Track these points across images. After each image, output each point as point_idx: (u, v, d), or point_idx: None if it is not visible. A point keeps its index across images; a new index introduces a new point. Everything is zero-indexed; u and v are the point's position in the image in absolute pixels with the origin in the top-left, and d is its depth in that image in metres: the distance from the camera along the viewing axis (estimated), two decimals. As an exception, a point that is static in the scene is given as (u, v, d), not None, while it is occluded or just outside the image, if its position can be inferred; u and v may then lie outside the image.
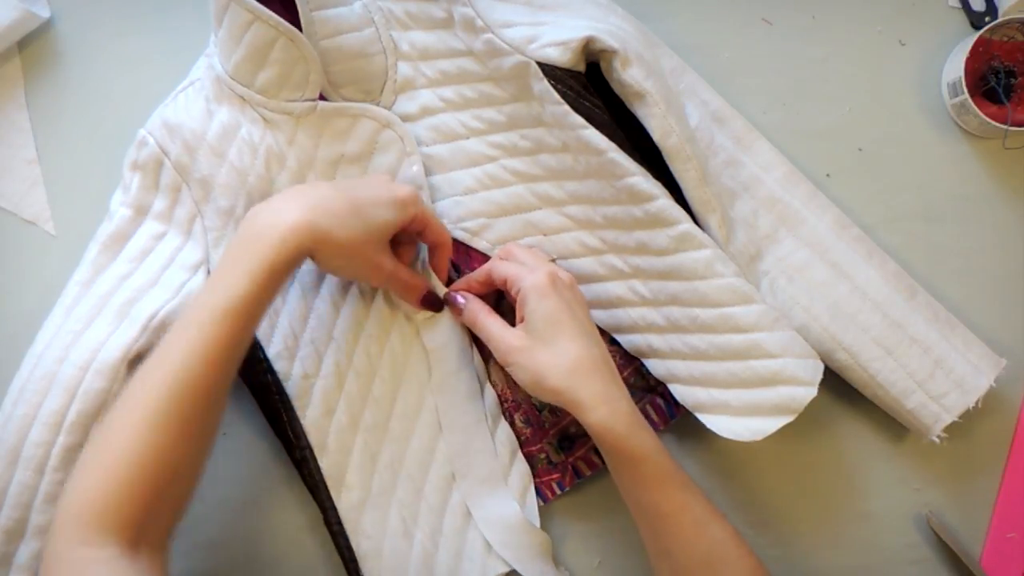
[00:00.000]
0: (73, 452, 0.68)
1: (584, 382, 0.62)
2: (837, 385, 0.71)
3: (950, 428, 0.68)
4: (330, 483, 0.70)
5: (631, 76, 0.66)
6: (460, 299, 0.68)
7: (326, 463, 0.70)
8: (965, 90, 0.71)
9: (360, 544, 0.70)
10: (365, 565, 0.70)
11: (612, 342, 0.72)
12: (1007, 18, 0.72)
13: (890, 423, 0.71)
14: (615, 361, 0.71)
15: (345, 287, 0.71)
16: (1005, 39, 0.73)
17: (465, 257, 0.72)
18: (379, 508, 0.70)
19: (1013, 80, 0.72)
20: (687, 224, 0.66)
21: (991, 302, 0.74)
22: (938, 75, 0.75)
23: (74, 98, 0.77)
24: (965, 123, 0.74)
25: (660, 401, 0.72)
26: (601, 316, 0.71)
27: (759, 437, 0.65)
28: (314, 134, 0.69)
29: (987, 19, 0.75)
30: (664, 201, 0.66)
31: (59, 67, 0.78)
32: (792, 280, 0.69)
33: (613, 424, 0.61)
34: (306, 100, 0.68)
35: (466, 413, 0.70)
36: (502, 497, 0.70)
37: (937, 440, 0.68)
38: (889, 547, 0.73)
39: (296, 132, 0.69)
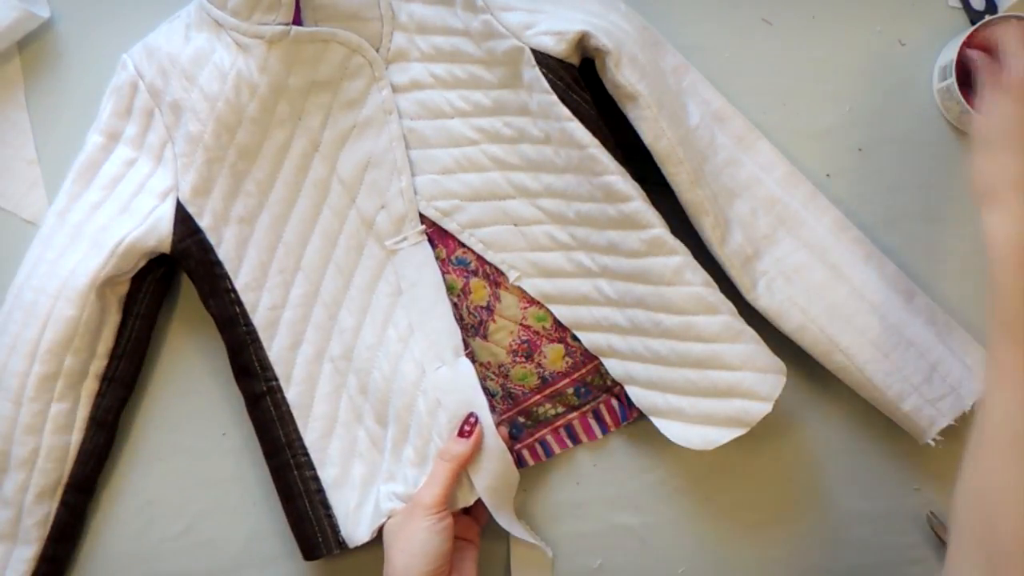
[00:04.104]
0: (47, 382, 0.69)
1: None
2: (836, 385, 0.71)
3: (949, 430, 0.68)
4: (296, 413, 0.71)
5: (624, 77, 0.66)
6: (469, 427, 0.68)
7: (292, 393, 0.71)
8: (953, 74, 0.71)
9: (328, 473, 0.70)
10: (332, 495, 0.70)
11: (573, 338, 0.72)
12: (1009, 15, 0.71)
13: (890, 423, 0.71)
14: (575, 358, 0.72)
15: (314, 216, 0.72)
16: (1005, 37, 0.73)
17: (440, 235, 0.72)
18: (345, 437, 0.71)
19: None
20: (660, 229, 0.66)
21: (991, 303, 0.74)
22: (938, 74, 0.76)
23: (74, 98, 0.77)
24: (947, 109, 0.74)
25: (614, 402, 0.72)
26: (563, 312, 0.71)
27: (711, 447, 0.66)
28: (286, 60, 0.69)
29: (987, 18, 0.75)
30: (639, 204, 0.66)
31: (59, 67, 0.78)
32: (790, 281, 0.69)
33: None
34: (279, 23, 0.68)
35: (445, 348, 0.70)
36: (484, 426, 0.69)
37: (932, 443, 0.69)
38: (889, 547, 0.73)
39: (268, 58, 0.69)
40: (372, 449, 0.71)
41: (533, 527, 0.73)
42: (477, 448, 0.67)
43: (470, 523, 0.70)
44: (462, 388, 0.69)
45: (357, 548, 0.69)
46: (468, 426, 0.67)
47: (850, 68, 0.76)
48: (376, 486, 0.70)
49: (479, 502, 0.68)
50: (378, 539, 0.68)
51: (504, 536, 0.72)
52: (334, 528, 0.70)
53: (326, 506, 0.70)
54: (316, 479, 0.70)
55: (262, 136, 0.71)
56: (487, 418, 0.68)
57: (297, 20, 0.69)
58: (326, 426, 0.71)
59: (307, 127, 0.71)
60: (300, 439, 0.71)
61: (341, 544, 0.69)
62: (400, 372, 0.70)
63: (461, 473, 0.67)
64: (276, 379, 0.71)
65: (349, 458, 0.71)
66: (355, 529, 0.69)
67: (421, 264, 0.71)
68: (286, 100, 0.70)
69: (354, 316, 0.71)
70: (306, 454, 0.71)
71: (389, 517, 0.68)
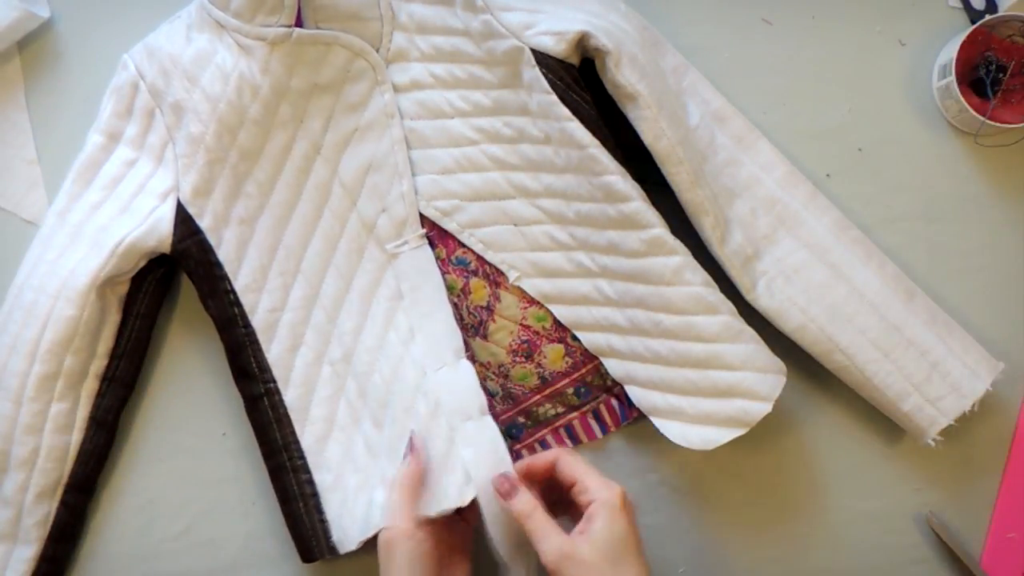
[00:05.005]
0: (47, 382, 0.69)
1: None
2: (836, 385, 0.71)
3: (949, 430, 0.68)
4: (294, 416, 0.71)
5: (624, 77, 0.66)
6: (506, 486, 0.63)
7: (290, 396, 0.71)
8: (953, 72, 0.71)
9: (323, 478, 0.70)
10: (327, 499, 0.70)
11: (573, 339, 0.72)
12: (1012, 14, 0.71)
13: (890, 423, 0.71)
14: (575, 358, 0.71)
15: (315, 219, 0.72)
16: (1006, 37, 0.73)
17: (440, 235, 0.72)
18: (343, 441, 0.71)
19: (1001, 76, 0.72)
20: (660, 229, 0.66)
21: (990, 302, 0.73)
22: (938, 74, 0.76)
23: (74, 98, 0.77)
24: (946, 108, 0.74)
25: (614, 402, 0.72)
26: (563, 312, 0.71)
27: (710, 447, 0.66)
28: (288, 63, 0.69)
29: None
30: (639, 204, 0.66)
31: (59, 67, 0.78)
32: (790, 281, 0.69)
33: None
34: (281, 26, 0.68)
35: (446, 351, 0.70)
36: (485, 425, 0.69)
37: (932, 443, 0.69)
38: (889, 547, 0.73)
39: (270, 60, 0.69)
40: (367, 455, 0.71)
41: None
42: (420, 462, 0.66)
43: (465, 530, 0.69)
44: (462, 389, 0.69)
45: (359, 550, 0.69)
46: (409, 447, 0.67)
47: (850, 68, 0.76)
48: (369, 493, 0.70)
49: (472, 505, 0.67)
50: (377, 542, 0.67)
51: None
52: (327, 533, 0.69)
53: (320, 511, 0.70)
54: (311, 483, 0.70)
55: (263, 138, 0.71)
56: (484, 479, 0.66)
57: (298, 21, 0.69)
58: (324, 430, 0.71)
59: (309, 130, 0.71)
60: (297, 442, 0.71)
61: (332, 550, 0.69)
62: (400, 375, 0.70)
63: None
64: (274, 381, 0.71)
65: (345, 463, 0.71)
66: (345, 536, 0.69)
67: (422, 268, 0.71)
68: (288, 102, 0.70)
69: (354, 319, 0.71)
70: (302, 457, 0.70)
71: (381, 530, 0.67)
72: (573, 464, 0.63)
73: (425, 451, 0.67)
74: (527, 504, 0.62)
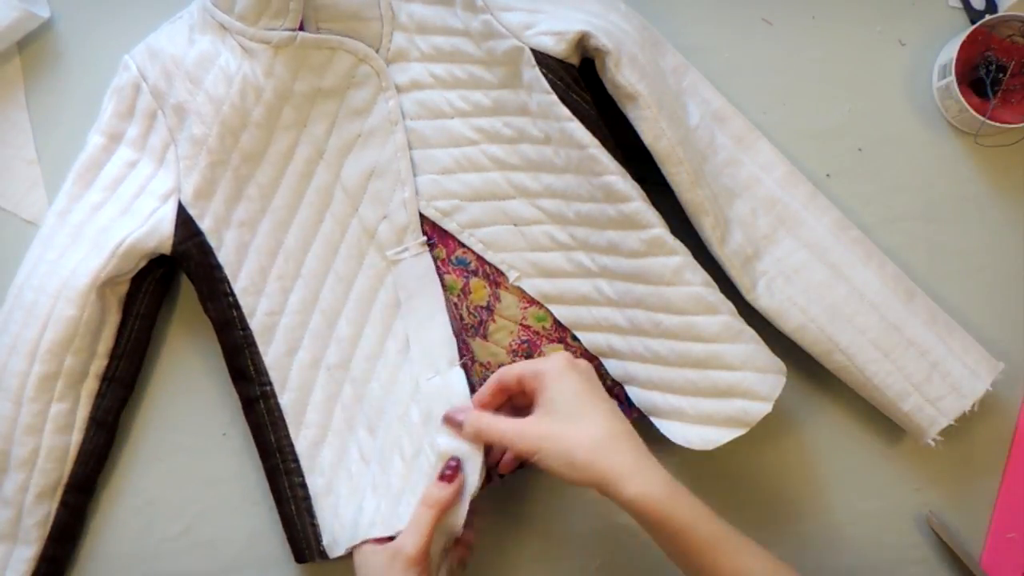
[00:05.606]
0: (47, 382, 0.69)
1: (614, 454, 0.59)
2: (836, 385, 0.71)
3: (949, 430, 0.68)
4: (289, 420, 0.71)
5: (624, 78, 0.66)
6: (459, 415, 0.65)
7: (286, 399, 0.71)
8: (953, 72, 0.71)
9: (315, 482, 0.70)
10: (318, 503, 0.70)
11: (573, 339, 0.72)
12: (1012, 14, 0.71)
13: (890, 423, 0.71)
14: (575, 356, 0.71)
15: (316, 223, 0.71)
16: (1006, 37, 0.73)
17: (440, 235, 0.72)
18: (337, 446, 0.71)
19: (1001, 76, 0.72)
20: (660, 229, 0.66)
21: (990, 303, 0.74)
22: (938, 74, 0.76)
23: (74, 98, 0.77)
24: (946, 108, 0.74)
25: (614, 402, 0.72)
26: (563, 312, 0.71)
27: (710, 447, 0.66)
28: (292, 66, 0.69)
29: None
30: (639, 204, 0.66)
31: (59, 67, 0.78)
32: (790, 281, 0.69)
33: (650, 494, 0.58)
34: (286, 29, 0.68)
35: (440, 359, 0.70)
36: None
37: (932, 443, 0.69)
38: (889, 547, 0.73)
39: (274, 63, 0.69)
40: (360, 461, 0.71)
41: (533, 527, 0.73)
42: (458, 492, 0.65)
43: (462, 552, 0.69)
44: (451, 398, 0.69)
45: (350, 554, 0.69)
46: (449, 470, 0.65)
47: (850, 68, 0.76)
48: (359, 500, 0.70)
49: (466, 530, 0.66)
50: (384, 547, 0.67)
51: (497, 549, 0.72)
52: (317, 537, 0.69)
53: (311, 514, 0.70)
54: (304, 486, 0.70)
55: (266, 141, 0.71)
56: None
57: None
58: (318, 434, 0.71)
59: (312, 134, 0.71)
60: (291, 445, 0.71)
61: (323, 554, 0.69)
62: (398, 382, 0.70)
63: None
64: (271, 384, 0.71)
65: (338, 469, 0.71)
66: (335, 541, 0.69)
67: (422, 275, 0.71)
68: (291, 106, 0.70)
69: (352, 326, 0.71)
70: (296, 460, 0.70)
71: (365, 541, 0.67)
72: (512, 367, 0.64)
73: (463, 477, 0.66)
74: (473, 421, 0.64)
